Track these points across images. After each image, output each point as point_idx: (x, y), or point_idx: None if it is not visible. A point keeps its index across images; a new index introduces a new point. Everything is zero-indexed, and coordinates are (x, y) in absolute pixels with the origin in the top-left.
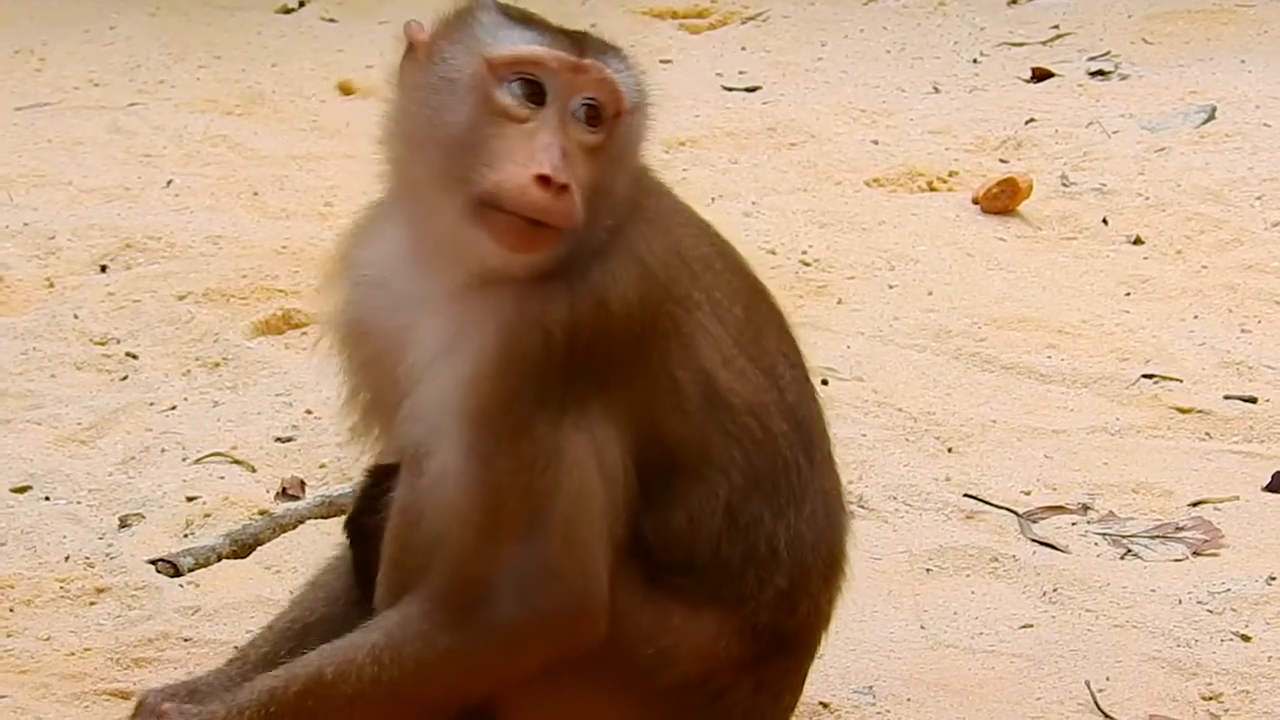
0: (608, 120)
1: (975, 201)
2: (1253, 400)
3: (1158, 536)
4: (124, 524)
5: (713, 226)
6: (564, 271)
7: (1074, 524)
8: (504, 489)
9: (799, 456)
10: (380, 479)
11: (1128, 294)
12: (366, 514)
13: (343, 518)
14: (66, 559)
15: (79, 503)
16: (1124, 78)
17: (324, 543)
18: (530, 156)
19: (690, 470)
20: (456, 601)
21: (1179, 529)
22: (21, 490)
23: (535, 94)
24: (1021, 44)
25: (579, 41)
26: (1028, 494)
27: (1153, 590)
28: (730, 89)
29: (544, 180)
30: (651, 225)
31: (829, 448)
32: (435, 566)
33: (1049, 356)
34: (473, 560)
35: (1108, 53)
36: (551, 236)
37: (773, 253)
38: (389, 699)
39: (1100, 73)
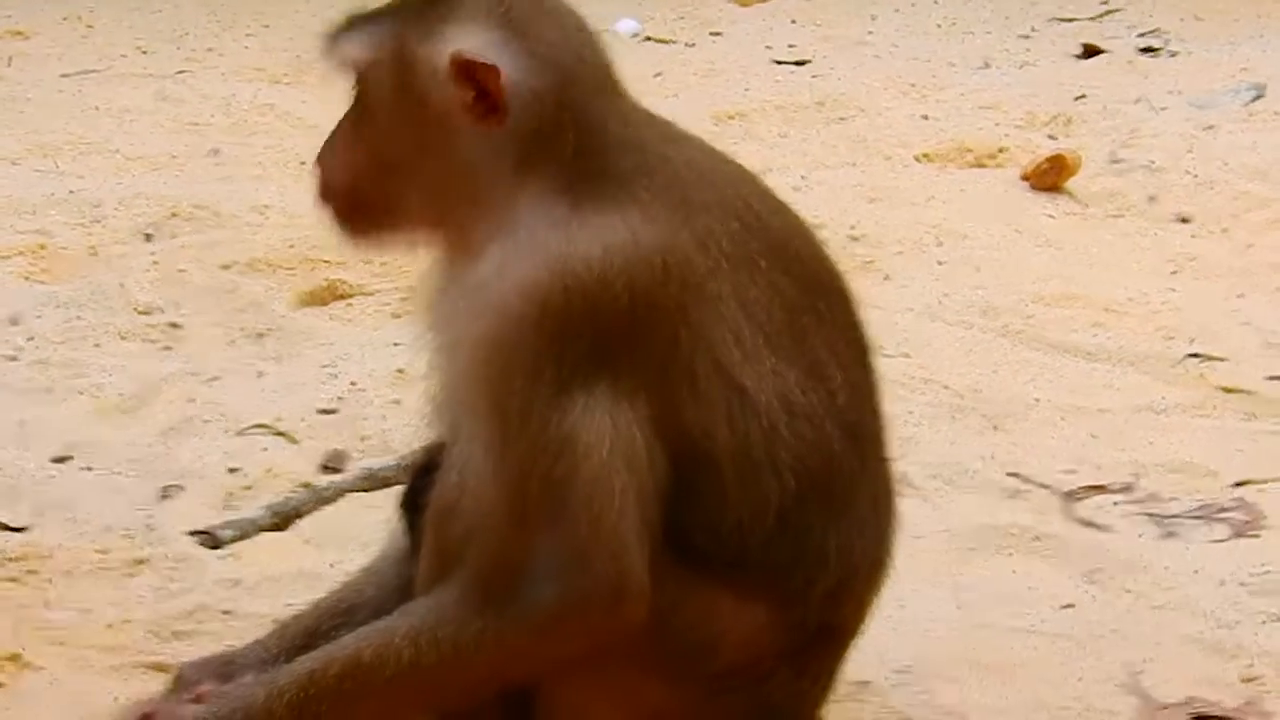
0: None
1: (1024, 178)
2: None
3: (1200, 517)
4: (165, 495)
5: (781, 224)
6: (521, 249)
7: (1117, 504)
8: (522, 477)
9: (852, 461)
10: (434, 457)
11: (1174, 272)
12: (421, 493)
13: (385, 491)
14: (107, 529)
15: (119, 473)
16: (1173, 54)
17: (366, 516)
18: None
19: (736, 471)
20: (490, 587)
21: (1222, 510)
22: (62, 460)
23: None
24: (1072, 19)
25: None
26: (1071, 473)
27: (1195, 571)
28: (780, 62)
29: None
30: (663, 214)
31: (884, 451)
32: (469, 554)
33: (1095, 335)
34: (503, 547)
35: (1157, 29)
36: (333, 216)
37: (821, 228)
38: (427, 682)
39: (1150, 49)
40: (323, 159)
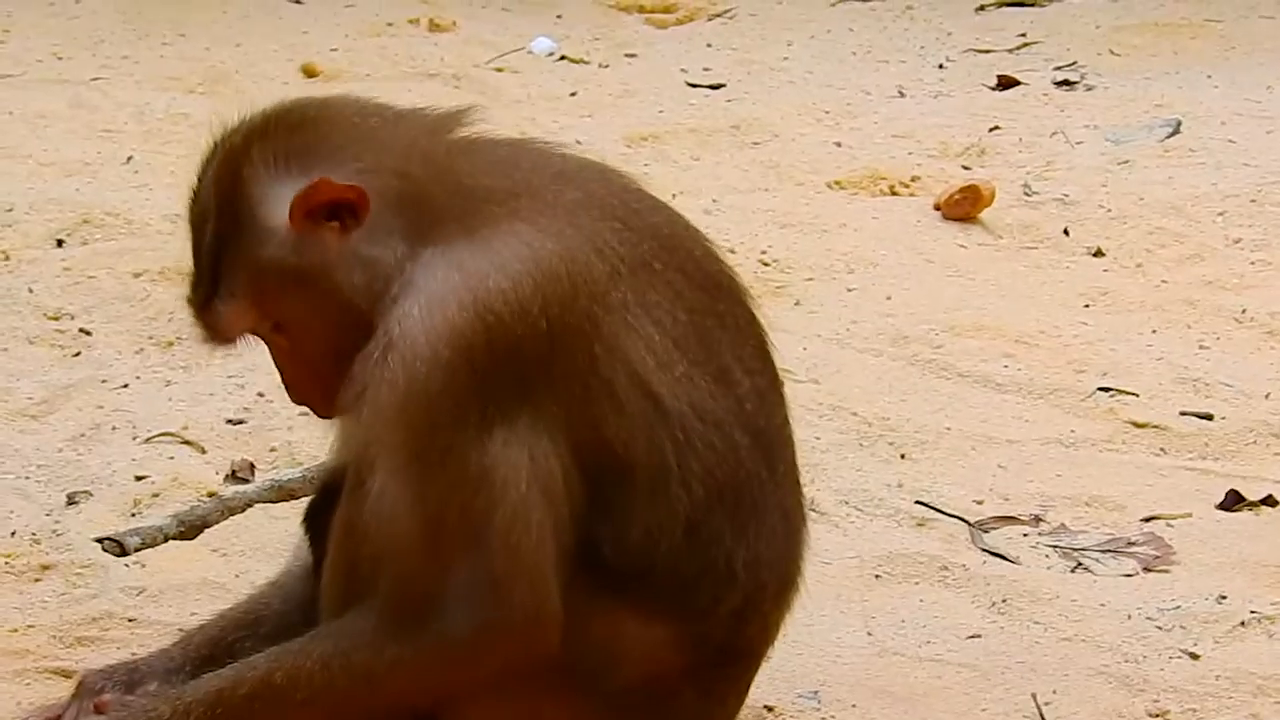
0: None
1: (937, 207)
2: (1209, 417)
3: (1109, 551)
4: (72, 501)
5: (663, 220)
6: (434, 295)
7: (1025, 535)
8: (440, 510)
9: (760, 469)
10: (339, 475)
11: (1087, 306)
12: (325, 510)
13: (292, 502)
14: (13, 534)
15: (27, 478)
16: (1090, 88)
17: (272, 527)
18: None
19: (648, 481)
20: (404, 615)
21: (1131, 544)
22: None
23: None
24: (988, 51)
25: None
26: (980, 503)
27: (1102, 605)
28: (694, 85)
29: None
30: (548, 221)
31: (793, 459)
32: (382, 581)
33: (1006, 366)
34: (418, 577)
35: (1074, 63)
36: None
37: (732, 252)
38: (336, 705)
39: (1066, 82)
40: (296, 394)
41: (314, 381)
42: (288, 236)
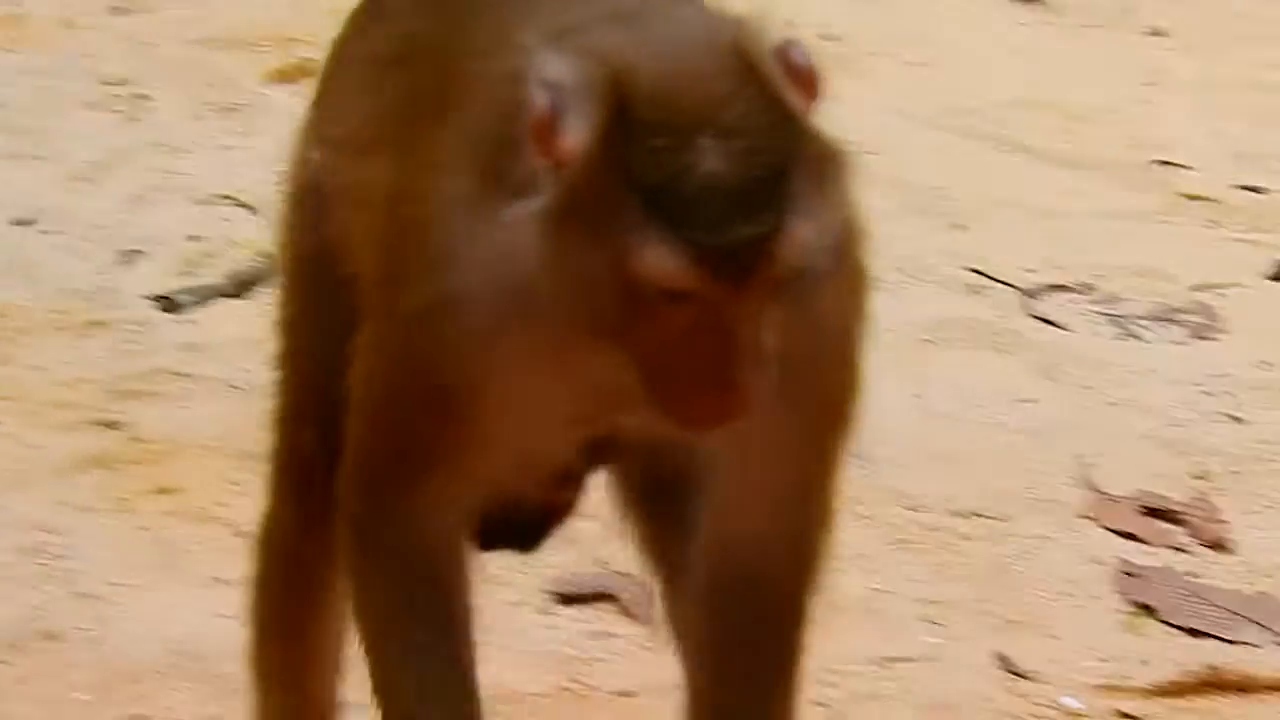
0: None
1: None
2: (1260, 190)
3: (1159, 319)
4: (125, 260)
5: None
6: None
7: (1076, 303)
8: None
9: None
10: None
11: (1145, 84)
12: None
13: None
14: (65, 292)
15: (82, 238)
16: None
17: None
18: None
19: None
20: None
21: (1180, 312)
22: (24, 223)
23: None
24: None
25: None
26: (1033, 272)
27: (1151, 371)
28: None
29: None
30: None
31: None
32: None
33: (1063, 141)
34: None
35: None
36: None
37: (796, 27)
38: None
39: None
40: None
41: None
42: None
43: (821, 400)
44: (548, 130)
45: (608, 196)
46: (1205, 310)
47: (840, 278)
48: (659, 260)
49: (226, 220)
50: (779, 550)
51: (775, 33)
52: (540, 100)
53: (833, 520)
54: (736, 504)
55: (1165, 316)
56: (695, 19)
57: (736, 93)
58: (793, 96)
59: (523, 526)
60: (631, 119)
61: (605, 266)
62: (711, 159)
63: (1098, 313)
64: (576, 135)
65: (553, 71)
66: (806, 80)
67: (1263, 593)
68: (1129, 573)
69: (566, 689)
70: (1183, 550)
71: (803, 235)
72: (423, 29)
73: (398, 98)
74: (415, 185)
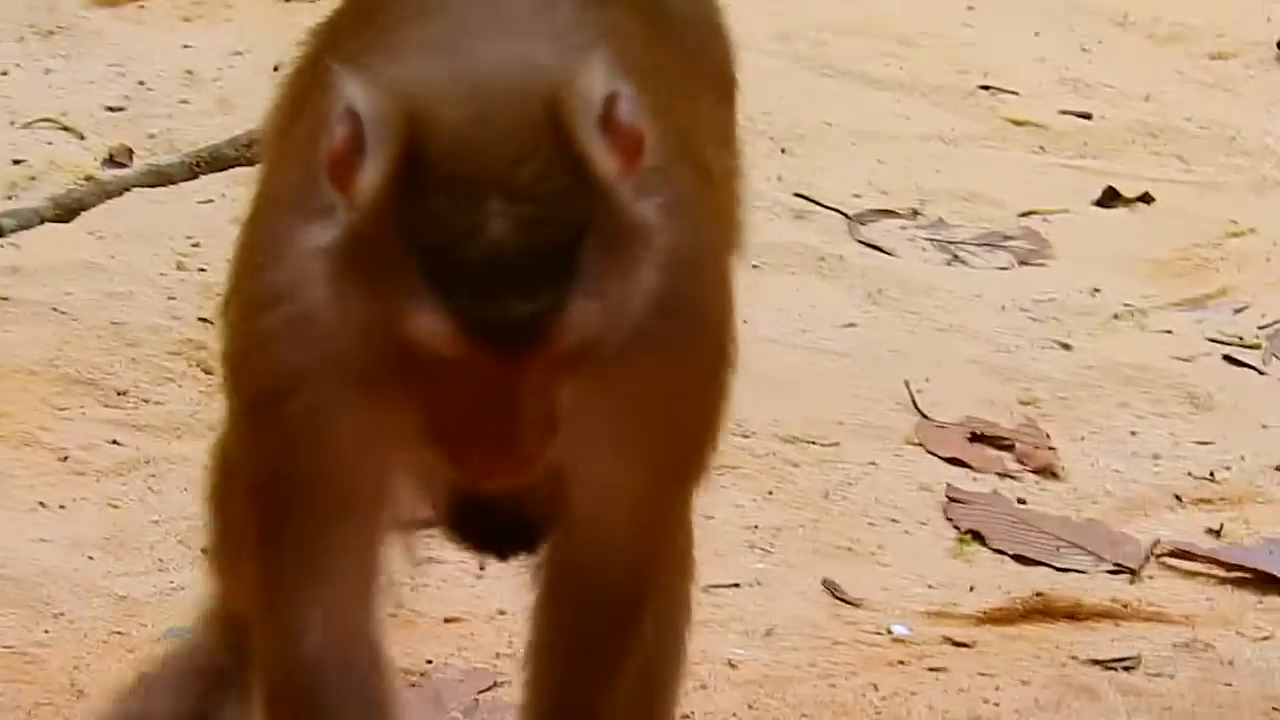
0: None
1: None
2: (1088, 116)
3: (985, 244)
4: None
5: None
6: None
7: (903, 228)
8: None
9: None
10: None
11: (970, 8)
12: None
13: (170, 189)
14: None
15: None
16: None
17: (148, 211)
18: None
19: None
20: None
21: (1007, 238)
22: None
23: None
24: None
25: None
26: (858, 197)
27: (977, 296)
28: None
29: None
30: None
31: None
32: None
33: (888, 64)
34: None
35: None
36: None
37: None
38: None
39: None
40: None
41: None
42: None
43: (672, 448)
44: (342, 164)
45: (387, 247)
46: (1032, 236)
47: (691, 331)
48: (427, 326)
49: (50, 144)
50: (619, 575)
51: (604, 82)
52: (339, 131)
53: (681, 544)
54: (582, 532)
55: (992, 242)
56: (516, 58)
57: (535, 152)
58: (602, 159)
59: (523, 528)
60: (422, 167)
61: (380, 316)
62: (495, 226)
63: (925, 238)
64: (369, 175)
65: (357, 101)
66: (626, 139)
67: (1091, 519)
68: (957, 499)
69: (392, 614)
70: (1011, 476)
71: (583, 315)
72: (326, 37)
73: (284, 102)
74: (255, 189)
